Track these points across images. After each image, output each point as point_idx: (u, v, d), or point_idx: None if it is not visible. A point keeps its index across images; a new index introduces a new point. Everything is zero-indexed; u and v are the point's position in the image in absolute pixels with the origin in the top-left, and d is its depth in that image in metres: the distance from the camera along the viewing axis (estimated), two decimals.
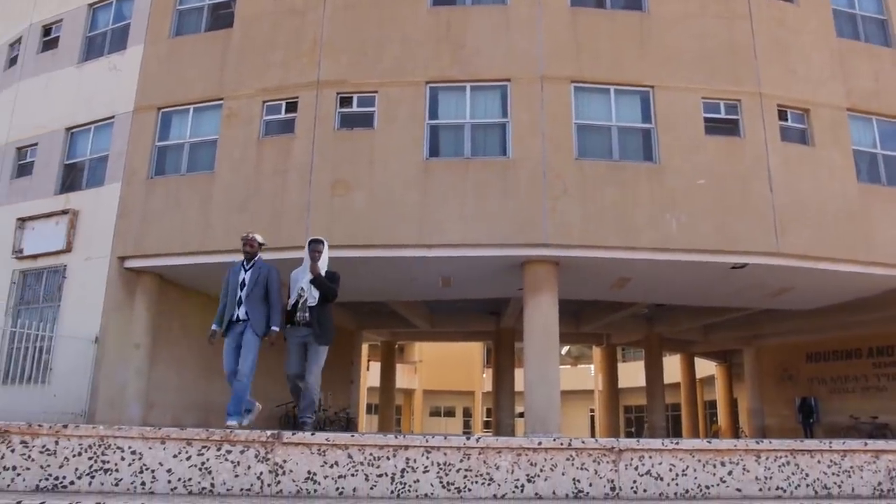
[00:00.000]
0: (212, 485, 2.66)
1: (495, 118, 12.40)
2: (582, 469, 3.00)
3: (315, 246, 7.15)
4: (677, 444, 3.19)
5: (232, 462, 2.68)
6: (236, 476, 2.67)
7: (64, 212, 14.02)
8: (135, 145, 13.81)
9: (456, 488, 2.84)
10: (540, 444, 2.96)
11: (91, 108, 14.82)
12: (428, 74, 12.48)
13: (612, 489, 3.01)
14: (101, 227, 13.57)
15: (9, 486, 2.54)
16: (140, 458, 2.64)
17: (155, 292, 13.73)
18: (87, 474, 2.60)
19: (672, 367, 28.54)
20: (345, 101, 12.75)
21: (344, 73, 12.78)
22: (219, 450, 2.69)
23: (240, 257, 7.30)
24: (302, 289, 6.96)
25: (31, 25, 16.98)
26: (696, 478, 3.13)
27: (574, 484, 2.98)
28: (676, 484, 3.10)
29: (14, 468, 2.55)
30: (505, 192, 11.71)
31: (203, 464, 2.66)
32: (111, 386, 12.76)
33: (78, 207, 13.97)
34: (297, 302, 6.97)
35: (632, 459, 3.08)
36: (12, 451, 2.56)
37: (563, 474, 2.97)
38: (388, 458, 2.81)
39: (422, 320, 22.22)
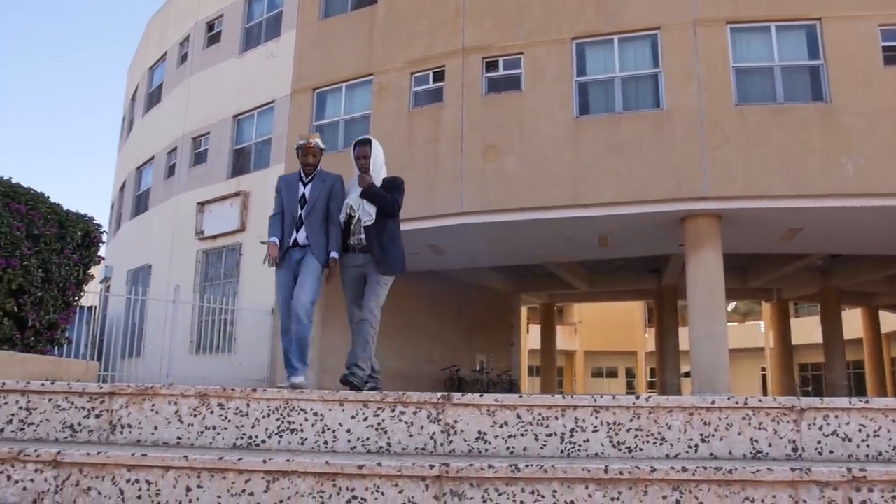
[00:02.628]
0: (388, 444, 2.79)
1: (646, 69, 11.91)
2: (760, 429, 2.88)
3: (360, 149, 5.43)
4: (867, 402, 2.98)
5: (406, 423, 2.80)
6: (410, 436, 2.79)
7: (236, 194, 15.08)
8: (294, 126, 14.53)
9: (627, 448, 2.82)
10: (713, 403, 2.87)
11: (253, 94, 15.74)
12: (574, 30, 12.17)
13: (794, 450, 2.86)
14: (269, 206, 14.39)
15: (210, 443, 2.78)
16: (322, 420, 2.81)
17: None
18: (276, 434, 2.79)
19: (852, 321, 26.52)
20: (491, 65, 12.71)
21: (488, 37, 12.73)
22: (393, 411, 2.81)
23: None
24: (351, 206, 5.38)
25: (196, 23, 18.21)
26: (890, 439, 2.91)
27: (752, 444, 2.87)
28: (867, 445, 2.91)
29: (214, 428, 2.79)
30: (660, 145, 11.27)
31: (379, 424, 2.80)
32: None
33: (248, 189, 14.96)
34: (347, 223, 5.39)
35: (815, 419, 2.91)
36: (211, 412, 2.80)
37: (739, 434, 2.87)
38: (556, 419, 2.83)
39: (580, 281, 21.98)
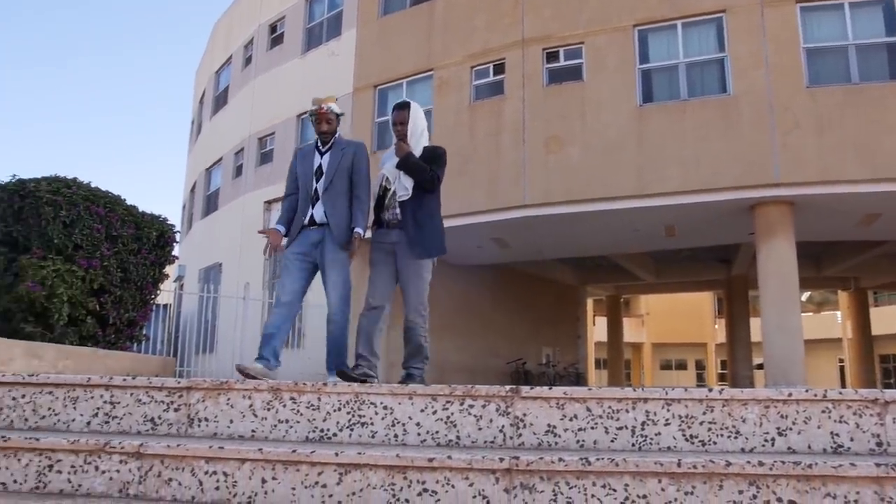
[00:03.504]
0: (457, 437, 2.80)
1: (711, 54, 11.61)
2: (840, 422, 2.78)
3: (398, 114, 4.82)
4: None
5: (475, 416, 2.80)
6: (479, 429, 2.79)
7: None
8: (358, 124, 14.70)
9: (700, 441, 2.76)
10: (790, 395, 2.78)
11: (316, 94, 15.95)
12: (635, 17, 11.96)
13: (878, 444, 2.76)
14: None
15: (284, 436, 2.84)
16: (391, 413, 2.84)
17: None
18: (347, 427, 2.83)
19: None
20: (551, 56, 12.60)
21: (548, 27, 12.61)
22: (461, 404, 2.82)
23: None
24: (386, 178, 4.72)
25: (259, 26, 18.59)
26: None
27: (832, 438, 2.77)
28: None
29: (287, 421, 2.85)
30: (727, 131, 10.98)
31: (448, 417, 2.82)
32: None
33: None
34: (382, 196, 4.74)
35: None
36: (284, 406, 2.86)
37: (818, 427, 2.78)
38: (626, 412, 2.79)
39: (646, 272, 21.62)
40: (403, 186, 4.65)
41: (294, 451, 2.48)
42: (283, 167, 16.61)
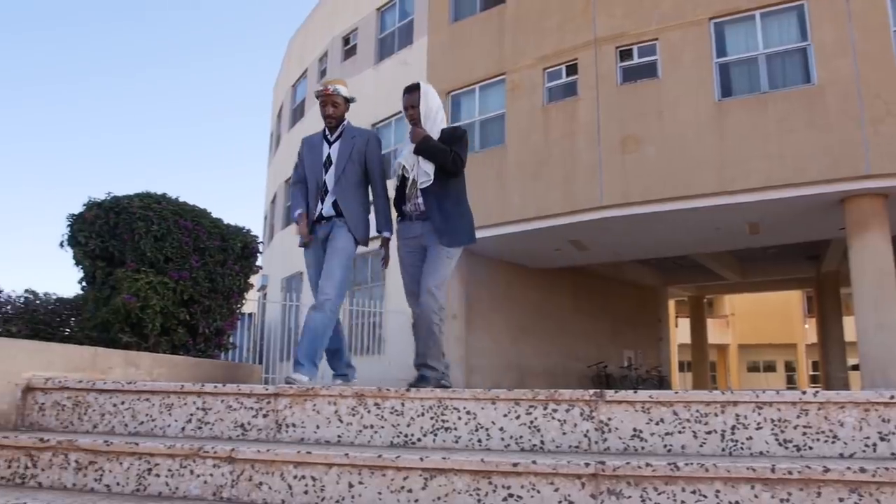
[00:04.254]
0: (541, 442, 2.78)
1: (793, 44, 11.20)
2: None
3: (407, 98, 4.42)
4: None
5: (559, 420, 2.78)
6: (564, 434, 2.77)
7: None
8: None
9: (795, 446, 2.66)
10: (892, 398, 2.65)
11: (389, 103, 16.16)
12: (711, 10, 11.65)
13: None
14: None
15: (369, 441, 2.88)
16: (474, 418, 2.84)
17: (464, 265, 14.64)
18: (431, 432, 2.85)
19: None
20: (624, 54, 12.41)
21: (620, 25, 12.43)
22: (545, 409, 2.80)
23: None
24: (403, 167, 4.36)
25: (332, 38, 18.97)
26: None
27: None
28: None
29: (371, 427, 2.89)
30: (812, 123, 10.56)
31: (532, 422, 2.80)
32: None
33: (390, 195, 15.40)
34: (401, 187, 4.41)
35: None
36: (368, 411, 2.90)
37: None
38: (715, 415, 2.72)
39: (730, 271, 20.99)
40: (424, 172, 4.27)
41: (380, 456, 2.52)
42: None
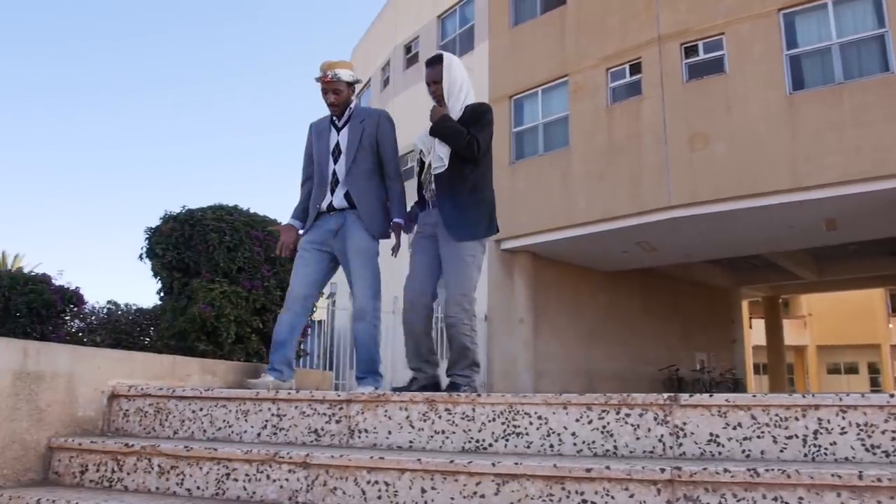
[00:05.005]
0: (615, 447, 2.74)
1: (869, 31, 10.77)
2: None
3: (430, 72, 4.00)
4: None
5: (632, 425, 2.73)
6: (637, 438, 2.72)
7: None
8: (495, 136, 14.78)
9: (883, 452, 2.55)
10: None
11: None
12: (780, 0, 11.31)
13: None
14: None
15: (440, 447, 2.89)
16: (546, 423, 2.82)
17: (530, 269, 14.58)
18: (502, 437, 2.84)
19: None
20: (689, 50, 12.16)
21: (684, 21, 12.19)
22: (618, 413, 2.77)
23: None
24: (421, 151, 4.00)
25: (394, 48, 19.17)
26: None
27: None
28: None
29: (443, 432, 2.89)
30: (891, 113, 10.13)
31: (604, 427, 2.76)
32: (503, 359, 13.91)
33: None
34: (420, 171, 4.04)
35: None
36: (439, 417, 2.91)
37: None
38: (796, 419, 2.63)
39: (806, 270, 20.28)
40: (438, 156, 3.86)
41: (452, 462, 2.52)
42: None
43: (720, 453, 2.66)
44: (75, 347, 3.37)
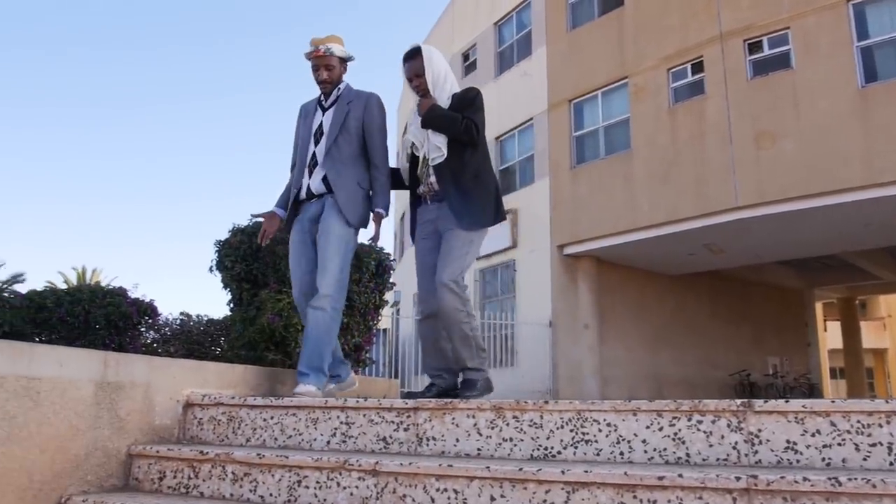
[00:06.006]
0: (687, 454, 2.68)
1: None
2: None
3: (409, 66, 3.84)
4: None
5: (704, 432, 2.67)
6: (710, 446, 2.66)
7: (506, 212, 15.60)
8: (555, 140, 14.71)
9: None
10: None
11: (512, 114, 16.21)
12: None
13: None
14: (538, 220, 14.76)
15: (509, 454, 2.88)
16: (615, 430, 2.79)
17: (594, 274, 14.42)
18: (571, 445, 2.82)
19: None
20: (753, 46, 11.87)
21: (747, 17, 11.91)
22: (689, 420, 2.71)
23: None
24: (413, 145, 3.85)
25: (452, 56, 19.25)
26: None
27: None
28: None
29: (511, 440, 2.89)
30: None
31: (676, 434, 2.71)
32: (568, 364, 13.77)
33: (516, 206, 15.41)
34: (412, 167, 3.88)
35: None
36: (507, 424, 2.90)
37: None
38: (879, 426, 2.53)
39: (885, 270, 19.48)
40: (435, 147, 3.70)
41: (521, 469, 2.51)
42: None
43: (798, 461, 2.58)
44: (151, 358, 3.48)
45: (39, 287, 5.97)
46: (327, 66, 3.80)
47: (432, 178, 3.75)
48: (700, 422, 2.69)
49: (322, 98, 3.91)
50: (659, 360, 15.15)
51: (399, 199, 24.56)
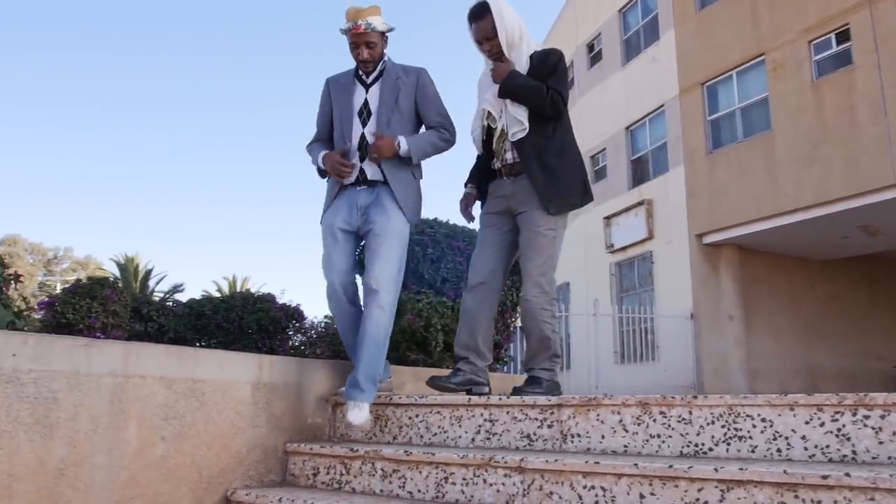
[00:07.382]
0: (853, 452, 2.52)
1: None
2: None
3: (478, 28, 3.37)
4: None
5: (872, 428, 2.50)
6: (880, 443, 2.48)
7: (640, 203, 15.22)
8: (688, 125, 14.19)
9: None
10: None
11: (641, 102, 15.79)
12: None
13: None
14: (674, 210, 14.30)
15: (657, 451, 2.81)
16: (771, 426, 2.66)
17: (737, 263, 13.80)
18: (723, 441, 2.72)
19: None
20: None
21: None
22: (854, 415, 2.54)
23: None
24: (488, 114, 3.45)
25: (576, 48, 18.98)
26: None
27: None
28: None
29: (658, 436, 2.82)
30: None
31: (839, 430, 2.55)
32: (713, 358, 13.24)
33: (650, 196, 15.00)
34: (487, 141, 3.50)
35: None
36: (654, 420, 2.83)
37: None
38: None
39: None
40: (516, 120, 3.30)
41: (671, 467, 2.44)
42: (619, 180, 16.67)
43: None
44: (301, 360, 3.65)
45: (196, 295, 6.42)
46: (368, 44, 3.32)
47: (508, 154, 3.40)
48: (867, 417, 2.51)
49: (360, 72, 3.45)
50: (812, 352, 14.26)
51: None
